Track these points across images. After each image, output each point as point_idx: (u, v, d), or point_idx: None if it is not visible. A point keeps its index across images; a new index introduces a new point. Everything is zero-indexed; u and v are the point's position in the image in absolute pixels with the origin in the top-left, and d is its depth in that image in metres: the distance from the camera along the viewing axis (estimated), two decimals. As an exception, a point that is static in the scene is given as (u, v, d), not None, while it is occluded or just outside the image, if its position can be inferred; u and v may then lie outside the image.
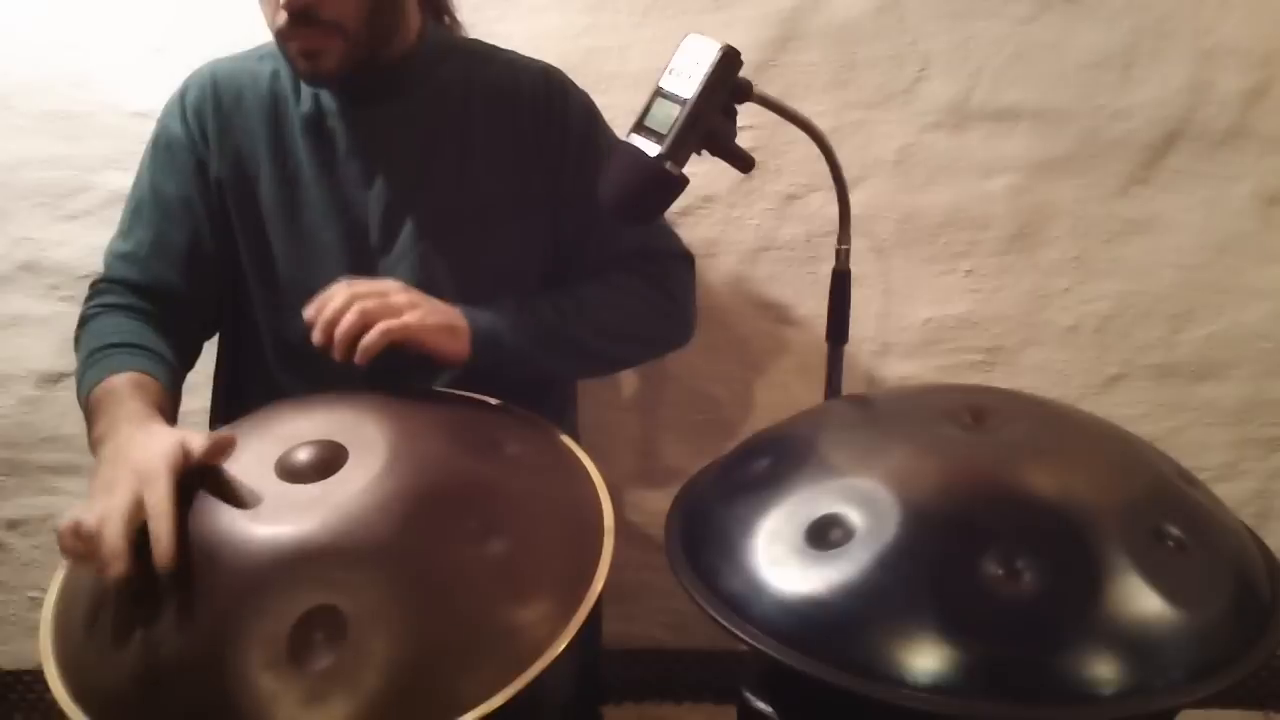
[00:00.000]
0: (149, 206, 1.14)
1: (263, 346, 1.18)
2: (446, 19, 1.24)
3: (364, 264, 1.14)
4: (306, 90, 1.15)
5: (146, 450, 0.83)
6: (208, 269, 1.15)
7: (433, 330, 1.02)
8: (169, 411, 1.00)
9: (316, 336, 0.98)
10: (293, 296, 1.12)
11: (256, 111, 1.15)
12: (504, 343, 1.08)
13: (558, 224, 1.20)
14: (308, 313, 1.00)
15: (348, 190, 1.14)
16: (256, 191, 1.14)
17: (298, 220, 1.14)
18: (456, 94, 1.16)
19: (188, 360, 1.16)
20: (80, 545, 0.77)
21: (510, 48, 1.25)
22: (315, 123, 1.14)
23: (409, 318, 1.00)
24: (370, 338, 0.97)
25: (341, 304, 0.98)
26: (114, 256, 1.14)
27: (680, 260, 1.27)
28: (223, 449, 0.84)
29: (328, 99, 1.14)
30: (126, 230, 1.15)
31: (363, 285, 1.01)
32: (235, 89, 1.16)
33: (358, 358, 0.97)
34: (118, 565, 0.75)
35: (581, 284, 1.19)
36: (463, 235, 1.16)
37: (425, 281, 1.12)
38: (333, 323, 0.98)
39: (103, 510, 0.78)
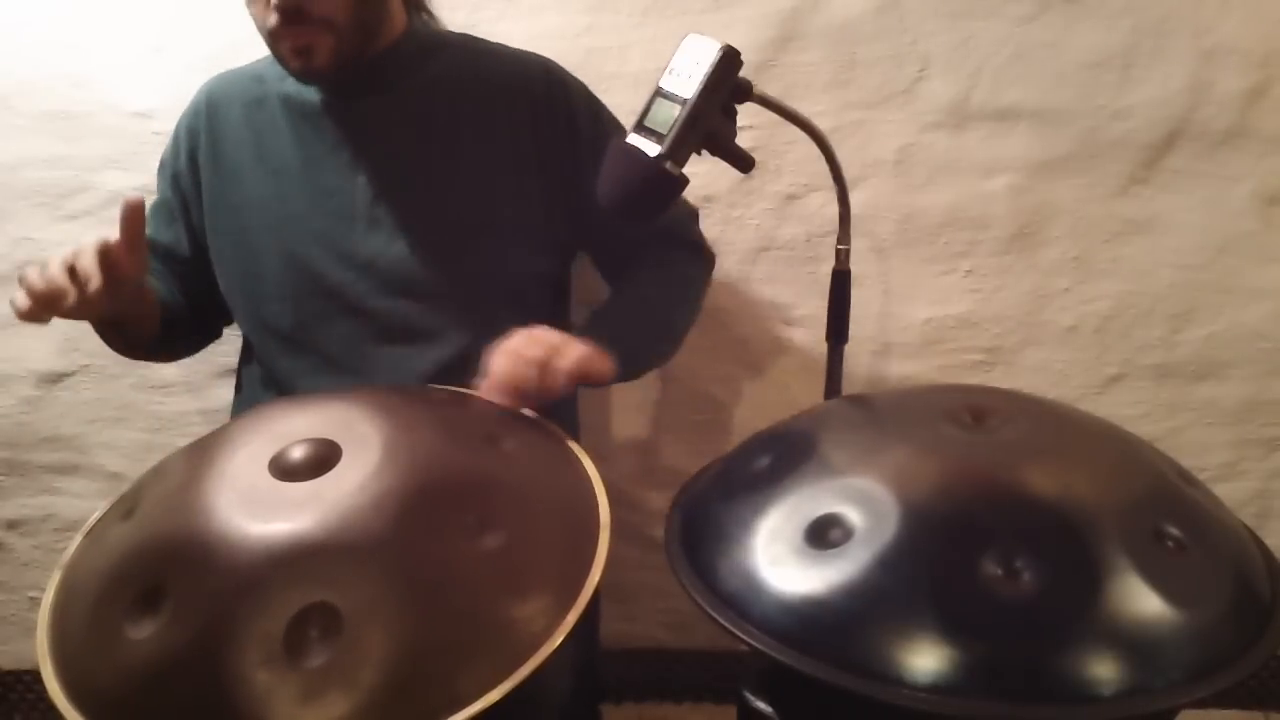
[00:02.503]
0: (150, 210, 1.22)
1: (264, 339, 1.22)
2: (424, 14, 1.25)
3: (350, 251, 1.16)
4: (292, 87, 1.17)
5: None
6: (188, 268, 1.25)
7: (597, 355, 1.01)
8: (153, 306, 1.14)
9: (495, 397, 0.97)
10: (281, 286, 1.17)
11: (243, 116, 1.19)
12: (626, 351, 1.08)
13: (576, 207, 1.20)
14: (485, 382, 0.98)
15: (332, 179, 1.16)
16: (243, 190, 1.19)
17: (285, 211, 1.17)
18: (445, 87, 1.18)
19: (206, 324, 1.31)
20: (38, 284, 0.92)
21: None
22: (301, 118, 1.17)
23: (577, 353, 0.99)
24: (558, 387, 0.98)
25: (517, 367, 0.97)
26: None
27: (692, 213, 1.35)
28: (132, 211, 0.98)
29: (313, 94, 1.17)
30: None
31: (526, 343, 0.99)
32: (226, 99, 1.21)
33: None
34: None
35: (638, 273, 1.24)
36: (451, 224, 1.17)
37: (411, 270, 1.14)
38: (514, 384, 0.97)
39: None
